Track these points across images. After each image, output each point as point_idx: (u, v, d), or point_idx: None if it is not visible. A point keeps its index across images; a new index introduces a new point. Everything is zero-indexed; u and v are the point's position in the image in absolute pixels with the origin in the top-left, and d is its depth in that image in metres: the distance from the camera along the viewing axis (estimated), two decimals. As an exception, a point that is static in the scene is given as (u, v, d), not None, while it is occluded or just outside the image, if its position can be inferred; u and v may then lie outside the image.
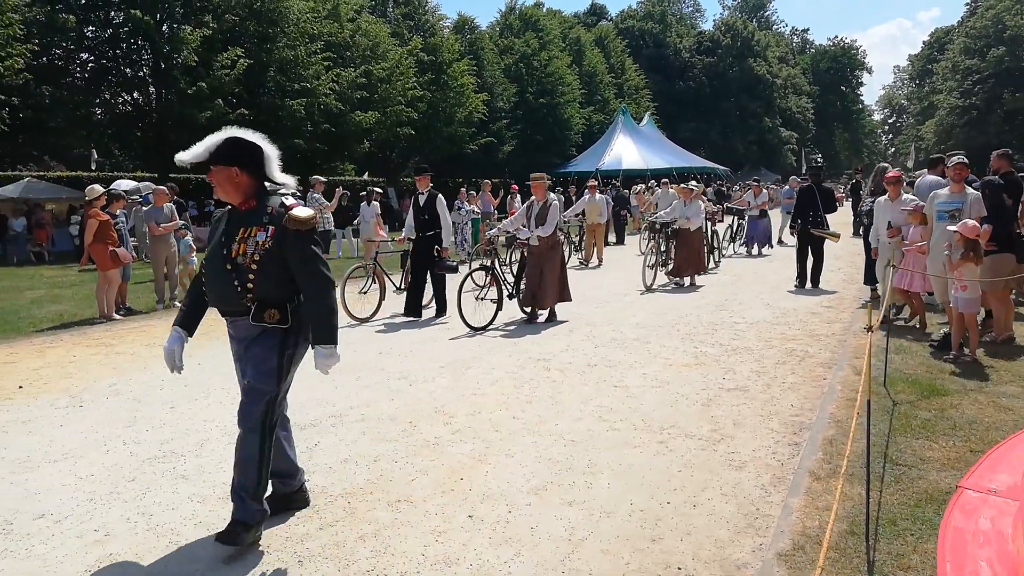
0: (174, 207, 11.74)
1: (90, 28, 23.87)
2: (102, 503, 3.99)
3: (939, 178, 8.91)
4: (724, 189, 37.02)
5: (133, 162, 29.18)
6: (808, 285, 11.61)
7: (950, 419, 5.02)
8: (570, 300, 9.40)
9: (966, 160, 7.31)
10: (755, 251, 17.34)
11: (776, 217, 19.81)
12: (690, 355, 7.21)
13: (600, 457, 4.52)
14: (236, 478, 3.45)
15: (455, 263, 9.88)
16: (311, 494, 4.03)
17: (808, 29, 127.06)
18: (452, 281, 9.49)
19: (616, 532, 3.57)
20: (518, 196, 20.98)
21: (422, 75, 32.91)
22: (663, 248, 12.47)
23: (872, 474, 3.68)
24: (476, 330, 8.51)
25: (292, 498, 3.86)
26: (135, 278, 12.05)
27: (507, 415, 5.40)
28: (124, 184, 20.75)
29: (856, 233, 18.27)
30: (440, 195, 9.62)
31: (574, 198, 24.00)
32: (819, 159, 63.84)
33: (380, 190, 15.63)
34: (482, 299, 8.94)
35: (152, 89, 24.95)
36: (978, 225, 6.51)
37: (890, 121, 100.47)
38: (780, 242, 18.98)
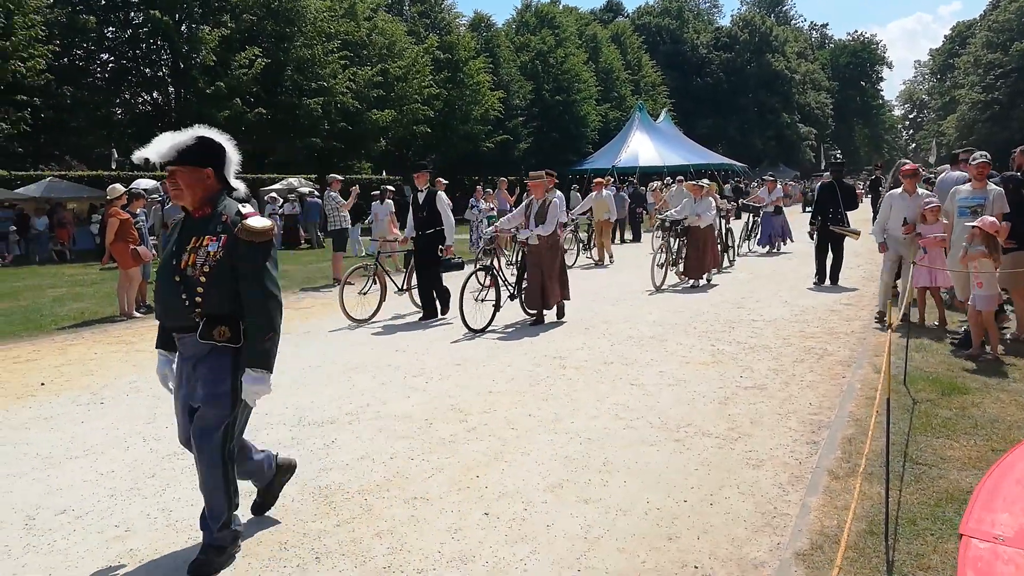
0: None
1: (110, 29, 24.14)
2: (123, 499, 4.04)
3: (962, 174, 8.79)
4: (742, 186, 36.81)
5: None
6: (827, 282, 11.51)
7: (971, 418, 4.96)
8: (568, 299, 9.22)
9: (989, 159, 7.21)
10: (772, 248, 16.87)
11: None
12: (707, 353, 7.18)
13: (616, 455, 4.51)
14: (205, 507, 3.34)
15: (461, 260, 9.68)
16: (328, 491, 4.06)
17: (827, 24, 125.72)
18: (455, 282, 9.19)
19: (632, 530, 3.56)
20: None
21: (438, 73, 32.98)
22: (673, 247, 12.20)
23: (892, 473, 3.64)
24: (475, 332, 8.34)
25: (274, 483, 3.77)
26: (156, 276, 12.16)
27: (523, 413, 5.40)
28: (144, 183, 20.98)
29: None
30: (440, 192, 9.41)
31: (581, 195, 23.94)
32: (838, 155, 63.29)
33: (393, 188, 15.57)
34: (482, 300, 8.77)
35: (171, 89, 25.19)
36: (997, 221, 6.42)
37: (911, 116, 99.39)
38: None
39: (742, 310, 9.52)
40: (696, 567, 3.22)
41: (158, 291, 3.32)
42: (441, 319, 9.32)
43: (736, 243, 15.54)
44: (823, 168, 53.64)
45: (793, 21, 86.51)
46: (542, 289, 8.79)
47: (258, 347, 3.18)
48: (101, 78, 24.62)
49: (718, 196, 15.75)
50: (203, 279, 3.14)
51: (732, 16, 75.13)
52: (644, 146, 38.03)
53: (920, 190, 8.46)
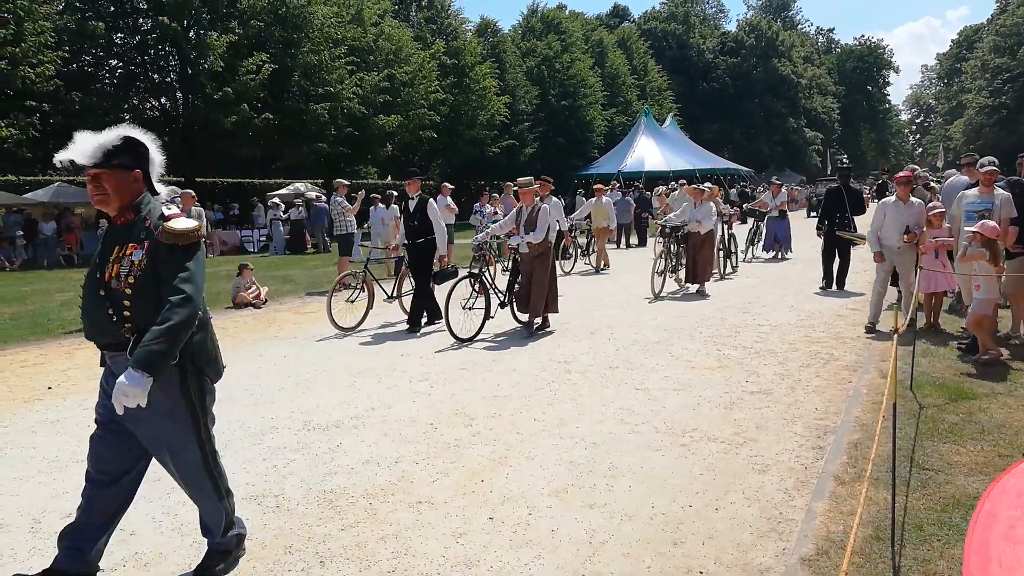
0: (202, 211, 11.88)
1: (119, 35, 24.30)
2: (128, 502, 4.04)
3: (967, 179, 8.76)
4: (748, 190, 36.78)
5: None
6: (834, 287, 11.47)
7: (978, 423, 4.94)
8: (556, 312, 8.92)
9: (996, 166, 7.18)
10: (777, 253, 16.48)
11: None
12: (713, 358, 7.16)
13: (621, 460, 4.50)
14: (201, 515, 3.24)
15: (455, 268, 9.36)
16: (333, 494, 4.06)
17: (833, 28, 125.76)
18: (441, 290, 8.90)
19: (637, 535, 3.55)
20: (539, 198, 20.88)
21: (444, 78, 33.07)
22: (673, 253, 11.81)
23: (898, 478, 3.63)
24: (462, 341, 8.12)
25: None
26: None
27: (528, 417, 5.40)
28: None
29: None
30: (431, 200, 9.18)
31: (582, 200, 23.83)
32: (845, 160, 63.22)
33: (396, 193, 15.54)
34: (470, 308, 8.46)
35: (179, 94, 25.34)
36: (998, 226, 6.39)
37: (918, 121, 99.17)
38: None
39: (748, 315, 9.50)
40: (701, 572, 3.21)
41: (84, 307, 3.03)
42: (433, 326, 9.04)
43: (738, 249, 15.11)
44: (830, 173, 53.62)
45: (799, 26, 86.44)
46: (528, 298, 8.60)
47: (149, 347, 2.77)
48: (110, 84, 24.79)
49: (721, 201, 15.39)
50: (129, 291, 2.87)
51: (738, 21, 75.21)
52: (650, 151, 38.08)
53: (913, 198, 8.30)
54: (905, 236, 8.01)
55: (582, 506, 3.88)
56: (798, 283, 12.42)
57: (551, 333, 8.60)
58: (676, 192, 18.45)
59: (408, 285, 9.62)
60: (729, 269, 14.03)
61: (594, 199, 15.92)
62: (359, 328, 9.11)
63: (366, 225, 16.02)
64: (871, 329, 8.19)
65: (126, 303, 2.89)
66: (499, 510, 3.85)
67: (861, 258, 14.11)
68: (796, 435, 4.90)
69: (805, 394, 5.86)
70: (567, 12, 50.69)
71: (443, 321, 8.55)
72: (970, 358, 6.66)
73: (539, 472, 4.34)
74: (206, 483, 3.12)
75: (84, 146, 2.91)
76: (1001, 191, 6.97)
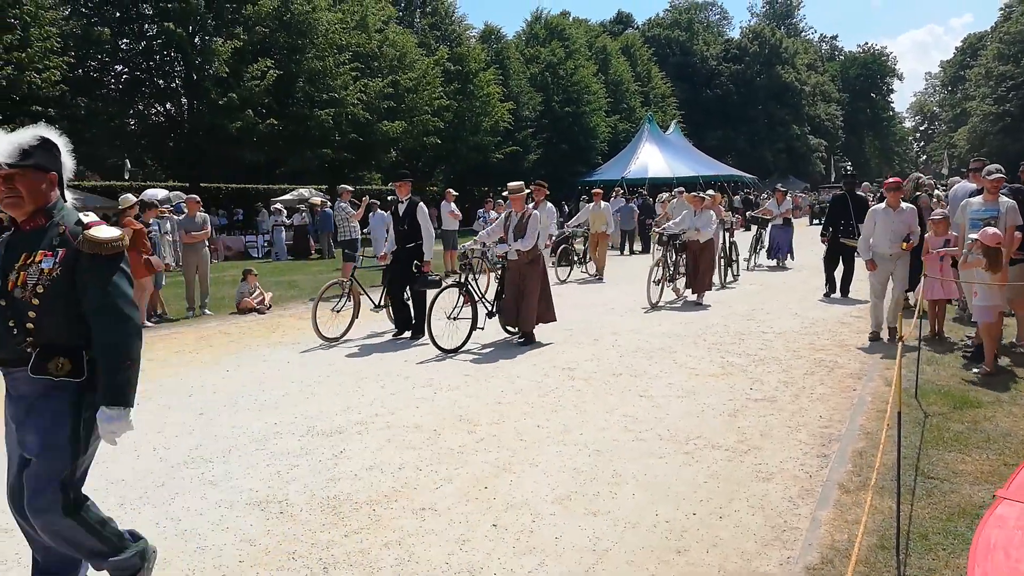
0: (207, 216, 11.92)
1: (124, 41, 24.41)
2: (132, 507, 4.05)
3: (974, 186, 8.73)
4: (752, 197, 36.77)
5: (165, 172, 29.73)
6: (837, 294, 11.46)
7: (983, 431, 4.92)
8: (554, 320, 8.66)
9: (1002, 174, 7.16)
10: (780, 261, 16.16)
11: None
12: (716, 365, 7.15)
13: (625, 467, 4.50)
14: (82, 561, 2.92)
15: (437, 277, 8.95)
16: (337, 501, 4.06)
17: (837, 36, 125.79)
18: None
19: (641, 543, 3.54)
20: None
21: (448, 84, 33.15)
22: (671, 261, 11.43)
23: (903, 487, 3.62)
24: (447, 352, 7.85)
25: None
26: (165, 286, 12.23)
27: (531, 424, 5.39)
28: (157, 193, 21.14)
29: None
30: (421, 203, 8.89)
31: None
32: (849, 167, 63.22)
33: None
34: (455, 318, 8.18)
35: (184, 100, 25.43)
36: (999, 233, 6.37)
37: (921, 128, 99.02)
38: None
39: (752, 322, 9.49)
40: (705, 581, 3.20)
41: None
42: (416, 342, 8.63)
43: (740, 257, 14.73)
44: (833, 180, 53.59)
45: (803, 33, 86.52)
46: (518, 308, 8.34)
47: (113, 380, 2.66)
48: (115, 89, 24.89)
49: (722, 208, 15.05)
50: (36, 302, 2.64)
51: (742, 28, 75.30)
52: (654, 157, 38.07)
53: (904, 204, 8.15)
54: (903, 244, 7.87)
55: (586, 513, 3.87)
56: (802, 290, 12.40)
57: (544, 345, 8.59)
58: (675, 199, 17.57)
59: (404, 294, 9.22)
60: (730, 278, 13.74)
61: (592, 204, 15.62)
62: (344, 338, 8.79)
63: (365, 230, 15.98)
64: (875, 337, 8.13)
65: (31, 315, 2.65)
66: (503, 517, 3.85)
67: (865, 265, 14.08)
68: (800, 443, 4.89)
69: (809, 402, 5.85)
70: (571, 19, 50.77)
71: (424, 338, 8.34)
72: (976, 366, 6.64)
73: (543, 479, 4.34)
74: (69, 530, 2.74)
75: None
76: (1006, 199, 6.95)
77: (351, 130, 27.29)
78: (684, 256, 11.45)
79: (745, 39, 68.90)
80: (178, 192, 22.06)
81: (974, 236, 6.43)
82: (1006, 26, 61.19)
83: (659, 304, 10.93)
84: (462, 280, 8.46)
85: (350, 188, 14.70)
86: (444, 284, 8.56)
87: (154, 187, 22.78)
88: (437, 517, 3.86)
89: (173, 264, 12.23)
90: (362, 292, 9.39)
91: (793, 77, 66.84)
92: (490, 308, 8.81)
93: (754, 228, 17.56)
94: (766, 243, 16.64)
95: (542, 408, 5.80)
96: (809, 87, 70.13)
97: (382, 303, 9.39)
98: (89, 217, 2.81)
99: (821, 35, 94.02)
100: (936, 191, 12.28)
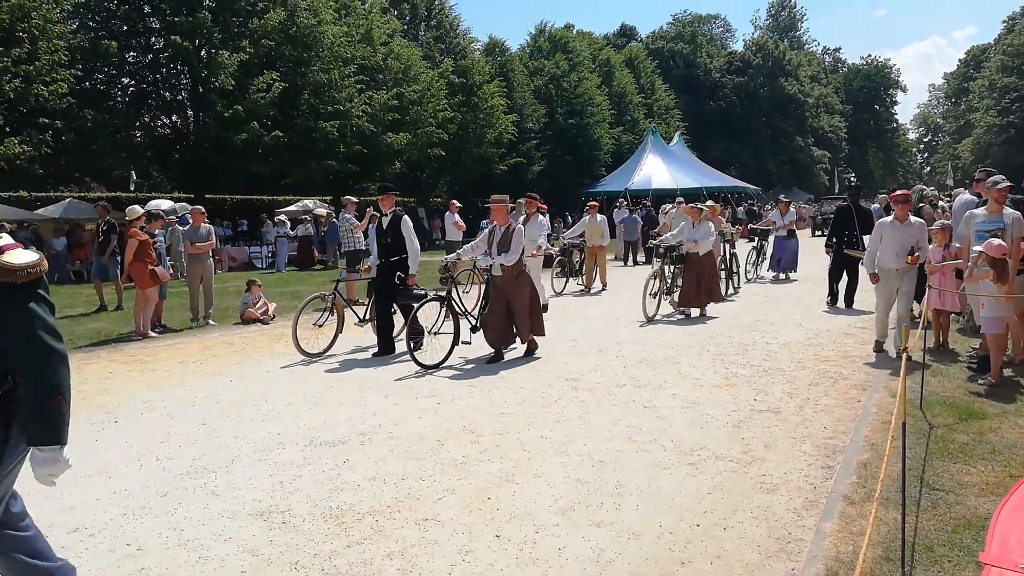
0: (212, 227, 11.96)
1: (131, 54, 24.59)
2: (135, 518, 4.05)
3: (975, 197, 8.72)
4: (756, 209, 36.78)
5: (171, 183, 29.87)
6: (840, 304, 11.44)
7: (989, 443, 4.90)
8: (543, 335, 8.46)
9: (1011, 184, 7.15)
10: (783, 274, 15.81)
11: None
12: (721, 376, 7.14)
13: (629, 478, 4.48)
14: None
15: (424, 291, 8.61)
16: (339, 511, 4.06)
17: (840, 48, 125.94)
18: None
19: (645, 554, 3.53)
20: (547, 216, 20.82)
21: (453, 97, 33.30)
22: (668, 274, 11.20)
23: (908, 499, 3.61)
24: (427, 368, 7.64)
25: None
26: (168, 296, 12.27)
27: (535, 434, 5.38)
28: (163, 204, 21.28)
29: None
30: (405, 216, 8.68)
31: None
32: (853, 179, 63.21)
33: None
34: (436, 333, 7.95)
35: (190, 112, 25.57)
36: (1004, 244, 6.36)
37: (925, 140, 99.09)
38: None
39: (756, 333, 9.47)
40: (709, 592, 3.19)
41: None
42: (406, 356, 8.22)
43: (740, 269, 14.48)
44: (837, 191, 53.52)
45: (806, 46, 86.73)
46: (509, 323, 8.11)
47: (43, 418, 2.49)
48: (122, 102, 25.04)
49: (722, 219, 14.67)
50: None
51: (745, 41, 75.51)
52: (657, 169, 38.17)
53: (913, 218, 7.85)
54: (909, 259, 7.59)
55: (589, 524, 3.86)
56: (807, 301, 12.38)
57: (561, 350, 8.58)
58: (674, 210, 17.26)
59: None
60: (731, 290, 13.46)
61: (588, 217, 15.13)
62: (327, 354, 8.56)
63: (364, 242, 15.88)
64: (879, 348, 8.06)
65: None
66: (506, 528, 3.83)
67: (869, 279, 14.05)
68: (805, 454, 4.87)
69: (814, 413, 5.83)
70: (575, 32, 51.05)
71: (384, 351, 8.22)
72: (981, 378, 6.61)
73: (546, 490, 4.33)
74: None
75: None
76: (1011, 210, 6.94)
77: (355, 142, 27.40)
78: (682, 269, 11.13)
79: (748, 51, 69.10)
80: (183, 203, 22.22)
81: (978, 248, 6.42)
82: (1009, 38, 61.38)
83: (656, 318, 10.70)
84: (444, 295, 8.21)
85: (355, 199, 14.70)
86: (428, 297, 8.29)
87: (159, 198, 22.92)
88: (440, 528, 3.85)
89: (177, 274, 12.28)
90: (346, 305, 9.16)
91: (796, 89, 66.99)
92: (474, 323, 8.55)
93: (755, 240, 17.11)
94: (768, 255, 16.37)
95: (545, 419, 5.79)
96: (812, 99, 70.25)
97: (367, 317, 9.22)
98: (3, 240, 2.58)
99: (824, 47, 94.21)
100: (940, 203, 12.26)
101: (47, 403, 2.49)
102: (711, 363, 7.72)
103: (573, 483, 4.42)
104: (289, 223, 24.26)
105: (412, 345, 7.80)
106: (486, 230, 8.53)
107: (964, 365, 7.29)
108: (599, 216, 15.21)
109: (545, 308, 11.13)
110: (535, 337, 8.40)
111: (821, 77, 78.05)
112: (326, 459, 4.94)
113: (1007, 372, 6.73)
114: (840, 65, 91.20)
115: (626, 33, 70.38)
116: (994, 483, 4.20)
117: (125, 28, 24.07)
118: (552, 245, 15.56)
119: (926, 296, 6.97)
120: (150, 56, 24.59)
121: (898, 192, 8.13)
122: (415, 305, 8.15)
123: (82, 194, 27.08)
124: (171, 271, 11.84)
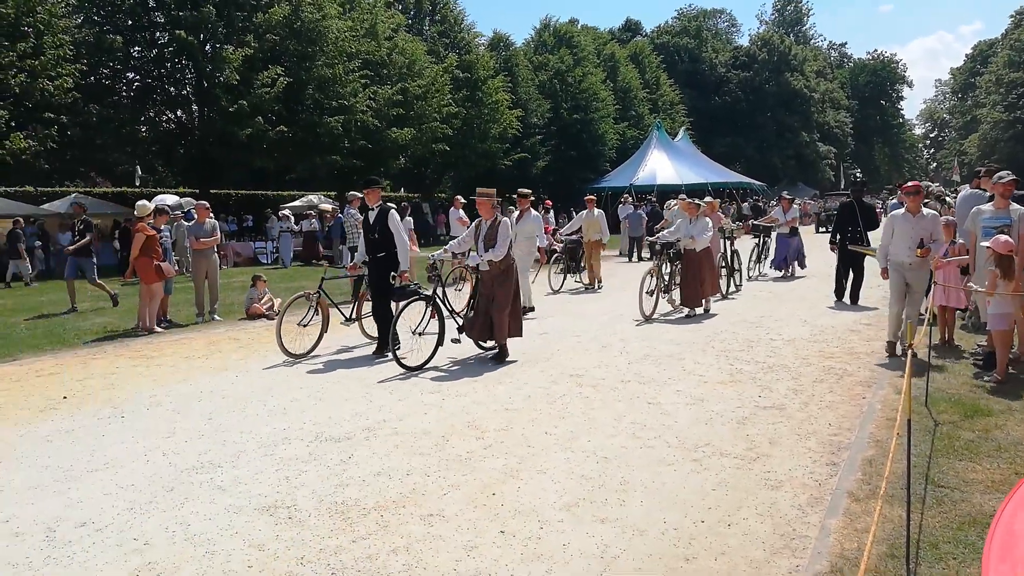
0: (217, 223, 11.98)
1: (136, 48, 24.62)
2: (141, 512, 4.07)
3: (979, 192, 8.68)
4: (761, 204, 36.69)
5: (175, 178, 29.89)
6: (847, 301, 11.41)
7: (994, 440, 4.89)
8: (520, 336, 8.20)
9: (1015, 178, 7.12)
10: (787, 271, 15.66)
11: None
12: (725, 372, 7.13)
13: (633, 474, 4.49)
14: None
15: (418, 286, 8.35)
16: (345, 506, 4.07)
17: (846, 43, 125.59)
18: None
19: (649, 550, 3.53)
20: (552, 212, 20.83)
21: (457, 92, 33.24)
22: (666, 272, 10.95)
23: (913, 496, 3.60)
24: (411, 370, 7.44)
25: None
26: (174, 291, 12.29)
27: (539, 430, 5.39)
28: (168, 199, 21.31)
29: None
30: (393, 209, 8.43)
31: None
32: (858, 174, 62.97)
33: (406, 204, 15.42)
34: (421, 333, 7.76)
35: (195, 107, 25.59)
36: (1011, 240, 6.34)
37: (932, 135, 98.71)
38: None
39: (760, 329, 9.46)
40: (714, 589, 3.19)
41: None
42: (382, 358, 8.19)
43: (743, 265, 14.21)
44: (843, 187, 53.35)
45: (812, 40, 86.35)
46: (490, 320, 7.92)
47: None
48: (127, 96, 25.08)
49: (722, 215, 14.46)
50: None
51: (750, 36, 75.23)
52: (662, 164, 38.12)
53: (925, 210, 7.64)
54: (918, 251, 7.41)
55: (594, 520, 3.86)
56: (812, 298, 12.35)
57: (565, 346, 8.57)
58: (674, 207, 16.43)
59: (369, 307, 8.75)
60: (732, 288, 13.25)
61: (585, 212, 14.86)
62: (311, 354, 8.35)
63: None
64: (892, 349, 7.72)
65: None
66: (510, 524, 3.84)
67: (875, 273, 13.99)
68: (810, 451, 4.87)
69: (819, 409, 5.82)
70: (579, 26, 50.88)
71: (384, 347, 8.03)
72: (987, 375, 6.59)
73: (550, 486, 4.34)
74: None
75: None
76: (1018, 206, 6.91)
77: (360, 137, 27.40)
78: (679, 266, 10.91)
79: (754, 46, 68.85)
80: (188, 199, 22.26)
81: (985, 244, 6.40)
82: (1017, 33, 61.09)
83: (652, 316, 10.49)
84: (429, 293, 8.01)
85: (359, 195, 14.70)
86: (421, 294, 8.08)
87: (165, 193, 22.95)
88: (445, 523, 3.86)
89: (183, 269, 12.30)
90: (332, 305, 8.84)
91: (802, 84, 66.71)
92: (459, 323, 8.34)
93: (758, 237, 16.89)
94: (770, 252, 16.18)
95: (550, 415, 5.80)
96: (818, 94, 69.96)
97: (353, 316, 9.05)
98: None
99: (830, 42, 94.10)
100: (947, 198, 12.22)
101: None
102: (715, 359, 7.72)
103: (577, 479, 4.43)
104: (294, 218, 24.29)
105: (393, 346, 7.68)
106: (472, 224, 8.35)
107: (970, 362, 7.27)
108: (596, 211, 14.91)
109: (532, 309, 11.12)
110: (511, 339, 8.11)
111: (827, 72, 77.71)
112: (331, 454, 4.95)
113: (1013, 369, 6.70)
114: (846, 60, 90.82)
115: (631, 28, 70.12)
116: (999, 480, 4.19)
117: (130, 23, 24.10)
118: (557, 241, 15.58)
119: (931, 292, 6.95)
120: (155, 51, 24.59)
121: (909, 184, 7.89)
122: (401, 305, 8.00)
123: (87, 189, 27.15)
124: (176, 267, 11.85)
